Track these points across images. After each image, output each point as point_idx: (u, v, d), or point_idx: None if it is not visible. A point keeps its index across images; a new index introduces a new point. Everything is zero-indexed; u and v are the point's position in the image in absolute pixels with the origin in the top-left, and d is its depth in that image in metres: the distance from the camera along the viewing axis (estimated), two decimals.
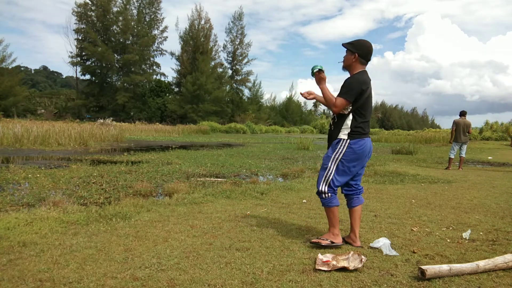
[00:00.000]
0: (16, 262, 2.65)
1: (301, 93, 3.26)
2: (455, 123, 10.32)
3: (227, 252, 2.99)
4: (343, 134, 3.05)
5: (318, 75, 3.10)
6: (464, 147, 10.31)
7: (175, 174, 7.67)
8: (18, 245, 3.00)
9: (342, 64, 3.18)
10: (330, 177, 3.06)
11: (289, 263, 2.79)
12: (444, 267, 2.57)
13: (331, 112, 3.17)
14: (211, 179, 7.16)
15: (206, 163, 9.82)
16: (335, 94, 3.11)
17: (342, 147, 3.03)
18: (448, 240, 3.45)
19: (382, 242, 3.16)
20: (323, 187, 3.08)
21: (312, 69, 3.12)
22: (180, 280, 2.41)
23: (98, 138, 17.98)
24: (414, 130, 58.79)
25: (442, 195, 5.85)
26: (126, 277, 2.46)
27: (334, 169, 3.06)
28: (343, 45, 3.12)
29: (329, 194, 3.07)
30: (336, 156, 3.05)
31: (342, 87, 3.00)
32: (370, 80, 3.09)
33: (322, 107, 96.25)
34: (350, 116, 3.02)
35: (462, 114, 10.43)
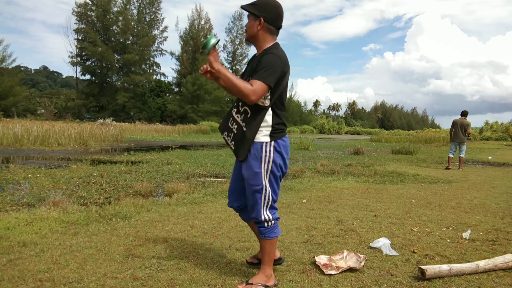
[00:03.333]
0: (16, 262, 2.65)
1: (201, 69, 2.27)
2: (453, 122, 10.42)
3: (227, 252, 2.99)
4: (264, 136, 2.23)
5: (214, 51, 2.12)
6: (463, 147, 10.31)
7: (175, 174, 7.67)
8: (18, 245, 3.00)
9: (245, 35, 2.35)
10: (270, 197, 2.28)
11: (289, 263, 2.79)
12: (444, 267, 2.57)
13: (243, 105, 2.28)
14: (211, 179, 7.16)
15: (206, 163, 9.82)
16: None
17: (268, 154, 2.23)
18: (448, 240, 3.45)
19: (382, 242, 3.16)
20: (265, 214, 2.29)
21: (206, 44, 2.08)
22: (180, 280, 2.41)
23: (98, 138, 17.97)
24: (414, 130, 58.83)
25: (442, 195, 5.85)
26: (126, 277, 2.46)
27: (268, 184, 2.27)
28: (242, 7, 2.31)
29: (274, 221, 2.33)
30: (266, 167, 2.24)
31: (261, 67, 2.13)
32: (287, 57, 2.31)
33: (322, 107, 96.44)
34: (270, 110, 2.23)
35: (463, 114, 10.47)
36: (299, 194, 5.68)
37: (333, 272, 2.58)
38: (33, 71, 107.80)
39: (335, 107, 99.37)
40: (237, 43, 62.17)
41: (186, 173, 7.88)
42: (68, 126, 19.59)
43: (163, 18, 59.87)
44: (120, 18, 54.13)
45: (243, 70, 2.51)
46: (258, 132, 2.22)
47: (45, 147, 13.73)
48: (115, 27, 54.52)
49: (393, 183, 7.13)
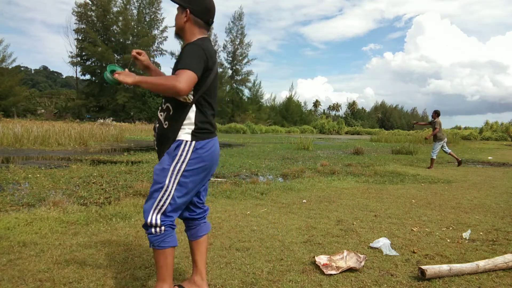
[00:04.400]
0: (16, 262, 2.65)
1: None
2: (439, 123, 10.50)
3: (227, 252, 2.99)
4: (185, 134, 2.02)
5: (121, 74, 1.98)
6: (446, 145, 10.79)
7: None
8: (18, 245, 3.00)
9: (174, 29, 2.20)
10: (168, 201, 1.99)
11: (289, 263, 2.79)
12: (444, 267, 2.57)
13: (173, 101, 2.05)
14: (211, 179, 7.16)
15: None
16: None
17: (185, 153, 2.00)
18: (448, 240, 3.46)
19: (382, 242, 3.16)
20: (154, 218, 1.98)
21: (108, 80, 2.01)
22: (180, 280, 2.41)
23: (98, 138, 17.97)
24: (414, 130, 58.83)
25: (442, 195, 5.85)
26: (126, 277, 2.46)
27: (174, 187, 1.99)
28: None
29: (163, 227, 1.98)
30: (178, 168, 1.99)
31: (184, 56, 1.95)
32: (216, 54, 2.16)
33: (322, 107, 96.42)
34: (194, 107, 2.03)
35: (439, 114, 10.73)
36: (299, 194, 5.68)
37: (333, 272, 2.58)
38: (33, 71, 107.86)
39: (335, 107, 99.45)
40: (237, 43, 62.11)
41: None
42: (68, 126, 19.60)
43: (163, 18, 59.77)
44: (120, 18, 54.13)
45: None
46: (180, 129, 2.01)
47: (45, 147, 13.72)
48: (115, 27, 54.51)
49: (393, 183, 7.13)
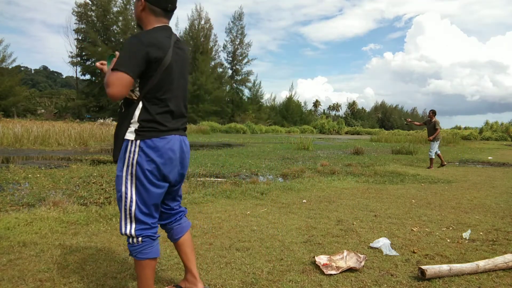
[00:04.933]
0: (16, 262, 2.65)
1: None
2: (439, 123, 10.47)
3: (227, 252, 2.99)
4: (129, 133, 1.88)
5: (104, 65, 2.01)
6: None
7: None
8: (18, 245, 3.00)
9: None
10: (133, 208, 1.88)
11: (289, 263, 2.79)
12: (444, 267, 2.57)
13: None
14: (211, 179, 7.16)
15: (206, 163, 9.82)
16: None
17: (132, 154, 1.86)
18: (448, 240, 3.46)
19: (382, 242, 3.16)
20: (128, 228, 1.89)
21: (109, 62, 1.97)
22: (180, 280, 2.42)
23: (98, 138, 17.96)
24: (414, 130, 58.84)
25: (442, 195, 5.85)
26: (126, 277, 2.46)
27: (133, 192, 1.88)
28: None
29: (140, 238, 1.90)
30: (129, 172, 1.87)
31: (120, 53, 1.81)
32: (172, 41, 1.92)
33: (322, 107, 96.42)
34: (140, 104, 1.88)
35: (436, 113, 10.68)
36: (299, 194, 5.68)
37: (333, 272, 2.58)
38: (33, 71, 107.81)
39: (335, 107, 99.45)
40: (237, 43, 62.12)
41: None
42: (68, 126, 19.58)
43: None
44: (120, 18, 54.09)
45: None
46: (128, 128, 1.89)
47: (45, 147, 13.73)
48: (115, 27, 54.51)
49: (393, 183, 7.14)
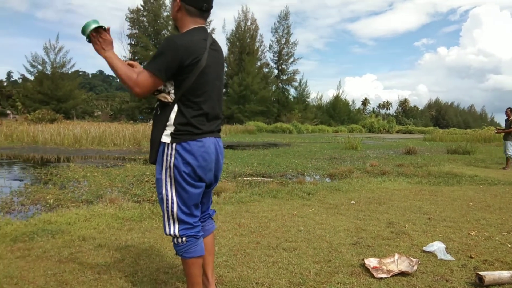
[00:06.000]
0: (76, 255, 2.84)
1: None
2: None
3: (274, 252, 3.00)
4: (165, 136, 1.90)
5: (97, 37, 1.84)
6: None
7: (223, 173, 7.80)
8: (78, 239, 3.21)
9: None
10: (175, 209, 1.92)
11: (337, 264, 2.74)
12: (505, 274, 2.42)
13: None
14: (258, 178, 7.21)
15: (253, 162, 9.90)
16: None
17: (168, 157, 1.89)
18: (509, 246, 3.23)
19: (437, 246, 3.02)
20: (172, 229, 1.95)
21: (85, 29, 1.81)
22: (229, 278, 2.46)
23: None
24: (471, 128, 55.50)
25: (502, 198, 5.47)
26: (177, 272, 2.55)
27: (173, 194, 1.92)
28: None
29: (184, 238, 1.93)
30: (168, 175, 1.91)
31: (154, 54, 1.84)
32: (208, 43, 1.92)
33: (371, 105, 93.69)
34: (176, 107, 1.88)
35: None
36: (347, 195, 5.56)
37: (383, 275, 2.50)
38: (90, 75, 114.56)
39: (385, 105, 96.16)
40: (282, 42, 61.88)
41: (233, 172, 8.00)
42: (123, 127, 20.55)
43: (210, 21, 60.88)
44: (170, 22, 55.98)
45: None
46: (163, 131, 1.90)
47: (102, 147, 14.56)
48: (165, 31, 56.50)
49: (449, 184, 6.77)
